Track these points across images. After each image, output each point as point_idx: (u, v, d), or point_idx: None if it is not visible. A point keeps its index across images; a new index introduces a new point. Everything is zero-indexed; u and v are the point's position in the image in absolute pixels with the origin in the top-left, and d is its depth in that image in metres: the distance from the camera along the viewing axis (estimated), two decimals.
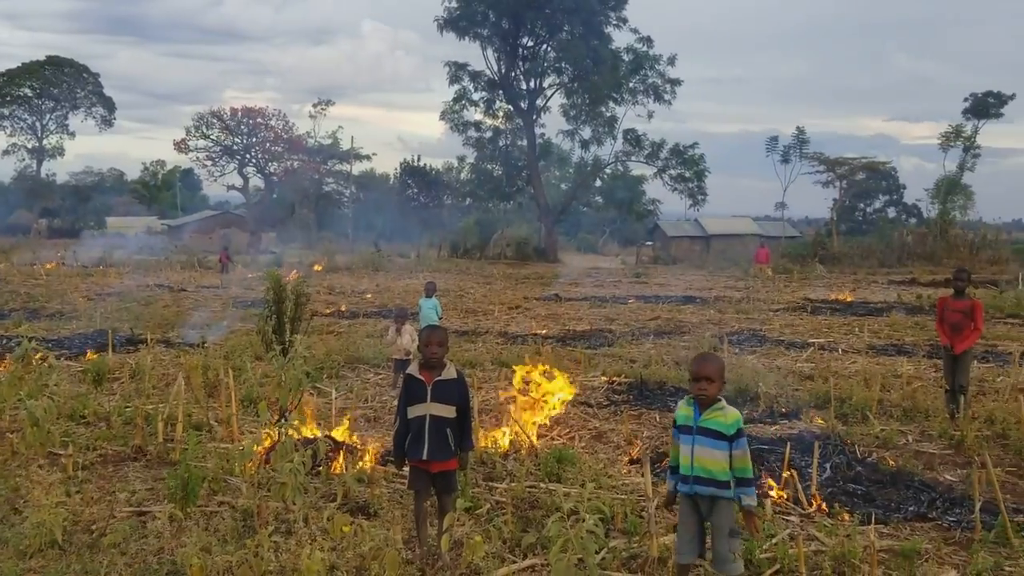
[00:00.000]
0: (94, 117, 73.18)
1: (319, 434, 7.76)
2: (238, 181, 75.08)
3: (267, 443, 7.08)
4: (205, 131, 73.21)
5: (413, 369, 5.65)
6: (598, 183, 62.34)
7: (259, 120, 72.93)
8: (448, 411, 5.53)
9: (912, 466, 7.79)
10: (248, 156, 74.11)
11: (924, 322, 18.68)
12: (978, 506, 6.24)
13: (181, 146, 73.34)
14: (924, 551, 5.77)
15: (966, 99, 63.30)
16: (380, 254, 45.63)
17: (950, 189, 56.20)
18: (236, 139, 73.41)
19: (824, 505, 6.68)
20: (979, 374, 12.33)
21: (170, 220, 78.01)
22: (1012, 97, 62.57)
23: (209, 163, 74.28)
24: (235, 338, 15.26)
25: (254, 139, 73.37)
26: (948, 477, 7.61)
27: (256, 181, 77.44)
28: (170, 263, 39.61)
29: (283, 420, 6.72)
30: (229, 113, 72.90)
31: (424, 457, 5.49)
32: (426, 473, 5.61)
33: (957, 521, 6.47)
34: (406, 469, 5.79)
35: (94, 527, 6.02)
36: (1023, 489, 7.19)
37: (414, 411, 5.54)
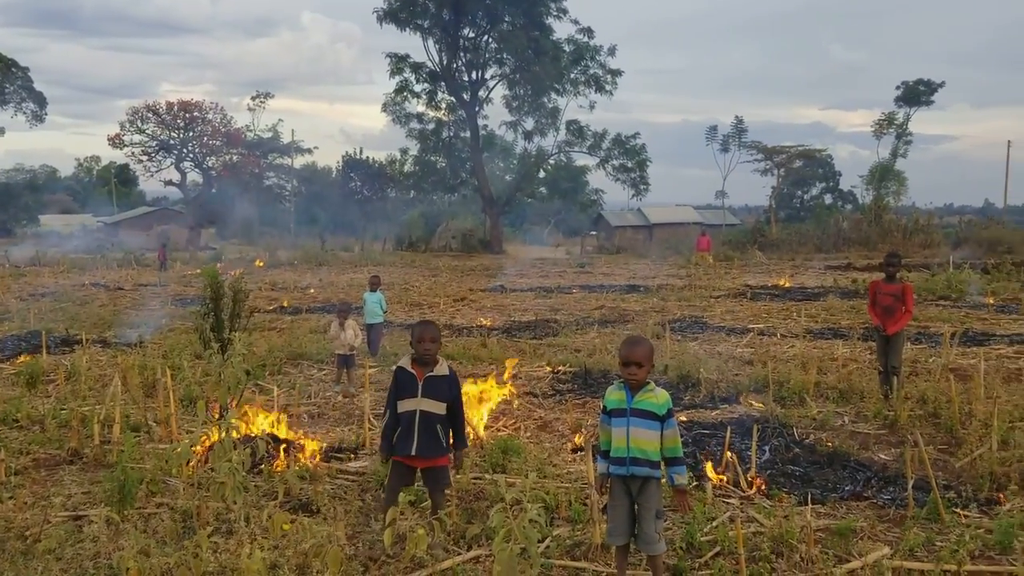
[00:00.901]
0: (24, 113, 70.66)
1: (260, 432, 7.66)
2: (175, 176, 73.24)
3: (206, 443, 6.97)
4: (140, 126, 71.28)
5: (405, 363, 5.61)
6: (542, 174, 62.47)
7: (196, 114, 71.21)
8: (439, 407, 5.51)
9: (848, 447, 7.99)
10: (185, 151, 72.42)
11: (859, 306, 19.13)
12: (911, 484, 6.42)
13: (116, 141, 71.35)
14: (859, 529, 5.93)
15: (898, 87, 65.17)
16: (325, 248, 45.13)
17: (884, 175, 57.78)
18: (173, 133, 71.63)
19: (763, 487, 6.81)
20: (912, 355, 12.68)
21: (106, 217, 76.09)
22: (942, 85, 64.60)
23: (145, 158, 72.35)
24: (174, 337, 14.97)
25: (191, 133, 71.69)
26: (883, 456, 7.82)
27: (194, 176, 75.69)
28: (106, 261, 38.65)
29: (222, 419, 6.61)
30: (165, 107, 71.14)
31: (413, 453, 5.46)
32: (409, 470, 5.58)
33: (891, 499, 6.66)
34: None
35: (28, 533, 5.85)
36: (954, 466, 7.40)
37: (404, 405, 5.51)
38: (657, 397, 4.79)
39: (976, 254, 34.87)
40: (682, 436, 8.09)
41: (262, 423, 8.06)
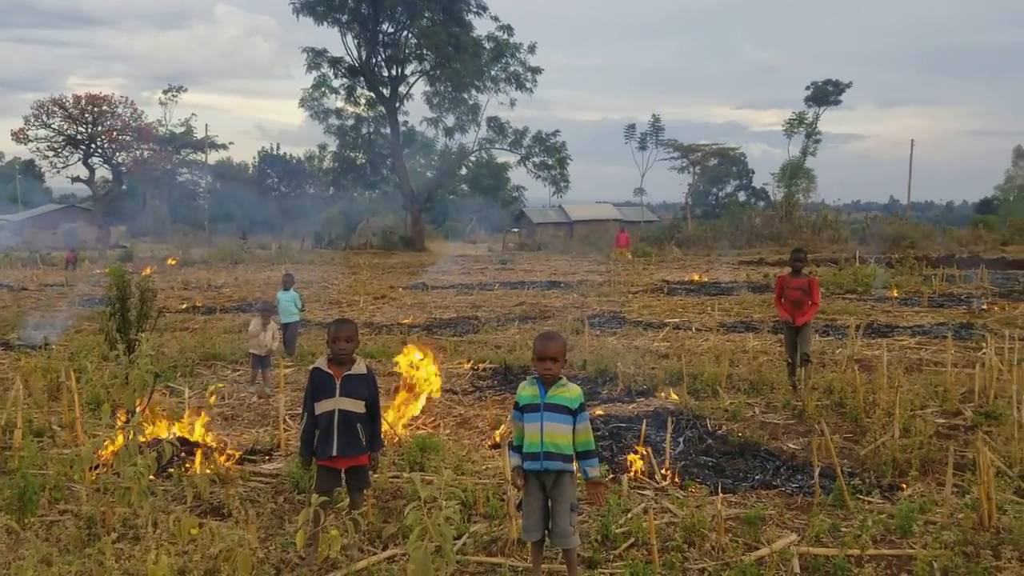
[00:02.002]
0: None
1: (169, 435, 7.44)
2: (84, 172, 70.56)
3: (111, 447, 6.73)
4: (46, 120, 68.47)
5: (321, 363, 5.50)
6: (463, 171, 62.43)
7: (105, 108, 68.68)
8: (358, 406, 5.43)
9: (758, 437, 8.20)
10: (94, 146, 69.80)
11: (770, 300, 19.65)
12: (817, 472, 6.64)
13: (20, 136, 68.36)
14: (768, 517, 6.09)
15: (808, 87, 67.22)
16: (246, 247, 44.13)
17: (794, 173, 59.57)
18: (80, 128, 68.96)
19: (677, 478, 6.94)
20: (819, 347, 13.10)
21: (10, 215, 72.77)
22: (849, 85, 66.94)
23: (51, 154, 69.52)
24: (80, 338, 14.42)
25: (100, 128, 69.13)
26: (791, 446, 8.05)
27: (103, 172, 73.07)
28: (10, 260, 37.01)
29: (128, 422, 6.40)
30: (72, 101, 68.43)
31: (334, 453, 5.36)
32: (335, 473, 5.48)
33: (799, 487, 6.87)
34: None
35: None
36: (858, 454, 7.67)
37: (322, 406, 5.40)
38: (569, 392, 4.82)
39: (881, 249, 36.25)
40: (599, 430, 8.26)
41: (171, 426, 7.83)
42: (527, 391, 4.89)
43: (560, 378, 4.85)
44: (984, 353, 10.98)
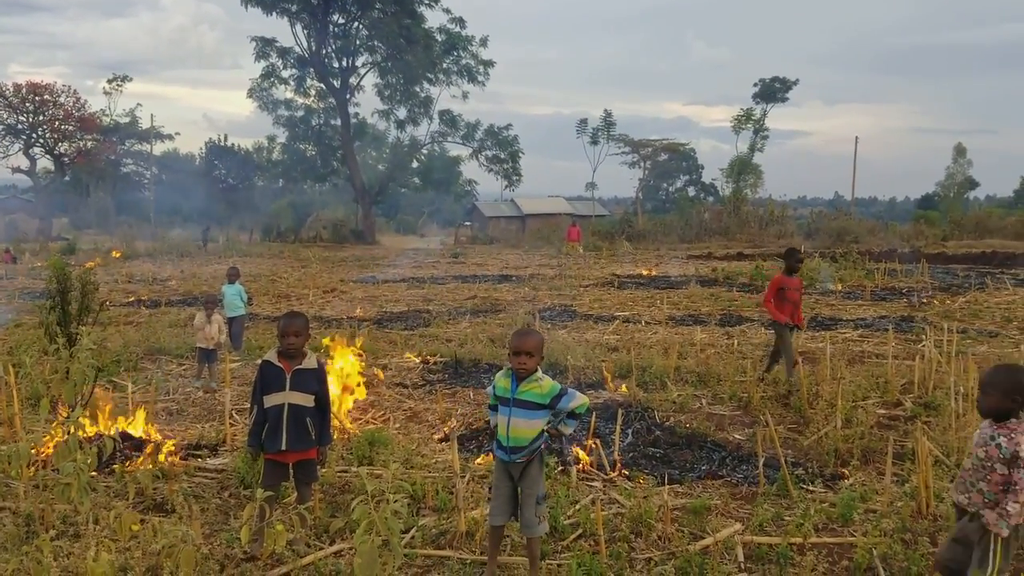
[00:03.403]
0: None
1: (110, 430, 7.28)
2: (24, 163, 68.63)
3: (51, 442, 6.58)
4: None
5: (271, 356, 5.44)
6: (415, 164, 62.09)
7: (47, 97, 66.80)
8: (307, 400, 5.38)
9: (705, 428, 8.31)
10: (35, 136, 67.93)
11: (718, 293, 19.99)
12: (761, 462, 6.76)
13: None
14: (713, 507, 6.18)
15: (755, 84, 67.99)
16: (211, 238, 43.42)
17: (742, 169, 60.29)
18: (21, 118, 67.00)
19: (624, 469, 7.00)
20: (766, 339, 13.33)
21: None
22: (796, 83, 67.84)
23: None
24: (20, 332, 14.04)
25: (42, 117, 67.25)
26: (737, 436, 8.17)
27: (45, 163, 71.09)
28: None
29: (68, 418, 6.25)
30: (13, 89, 66.46)
31: (283, 448, 5.31)
32: (282, 467, 5.42)
33: (744, 477, 6.97)
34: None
35: None
36: (802, 445, 7.82)
37: (271, 400, 5.34)
38: (542, 387, 4.80)
39: (826, 243, 36.96)
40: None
41: (112, 421, 7.67)
42: (501, 383, 4.91)
43: (535, 372, 4.85)
44: (924, 345, 11.29)
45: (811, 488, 6.62)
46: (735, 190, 56.10)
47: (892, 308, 17.28)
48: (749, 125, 67.40)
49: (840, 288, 20.83)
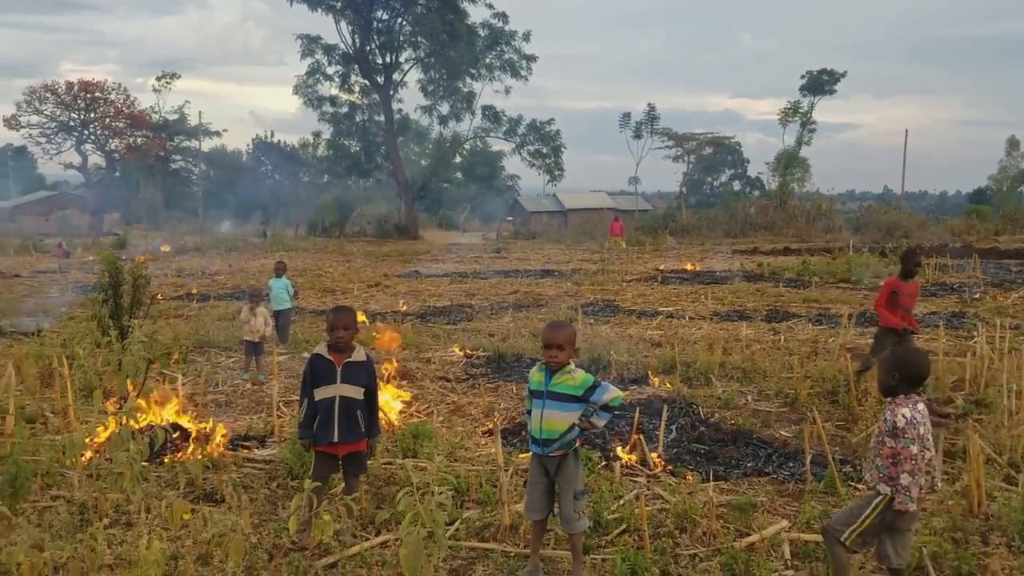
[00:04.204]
0: None
1: (162, 421, 7.44)
2: (76, 159, 70.34)
3: (104, 432, 6.73)
4: (38, 106, 68.23)
5: (321, 349, 5.53)
6: (458, 159, 62.30)
7: (98, 94, 68.47)
8: (357, 392, 5.47)
9: (751, 424, 8.22)
10: (86, 133, 69.56)
11: (764, 288, 19.75)
12: (808, 459, 6.67)
13: (12, 122, 68.11)
14: (759, 504, 6.12)
15: (803, 77, 66.98)
16: (272, 231, 44.09)
17: (789, 162, 59.45)
18: (73, 115, 68.70)
19: (669, 465, 6.96)
20: (813, 335, 13.16)
21: (2, 202, 72.51)
22: (844, 75, 66.69)
23: (44, 140, 69.30)
24: (73, 325, 14.39)
25: (93, 115, 68.88)
26: (783, 433, 8.08)
27: (96, 159, 72.80)
28: (2, 247, 36.88)
29: (121, 408, 6.40)
30: (65, 87, 68.13)
31: (335, 440, 5.40)
32: (333, 459, 5.50)
33: (790, 474, 6.90)
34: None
35: None
36: (850, 442, 7.70)
37: (322, 393, 5.42)
38: (574, 379, 4.80)
39: (875, 238, 36.31)
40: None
41: (164, 411, 7.83)
42: (536, 376, 4.92)
43: (567, 365, 4.85)
44: (975, 342, 11.03)
45: (859, 486, 6.51)
46: (782, 184, 55.30)
47: (943, 304, 16.93)
48: (796, 118, 66.46)
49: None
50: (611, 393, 4.76)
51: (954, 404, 8.75)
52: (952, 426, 8.10)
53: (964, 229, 41.56)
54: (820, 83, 66.24)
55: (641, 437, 7.26)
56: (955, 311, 15.87)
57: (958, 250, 29.37)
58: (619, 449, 7.20)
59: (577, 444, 4.89)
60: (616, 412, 4.95)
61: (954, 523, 5.61)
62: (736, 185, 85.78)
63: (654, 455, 7.04)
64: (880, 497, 4.35)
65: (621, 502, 6.03)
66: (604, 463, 6.91)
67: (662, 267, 26.41)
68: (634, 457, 7.10)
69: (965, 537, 5.44)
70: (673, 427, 8.06)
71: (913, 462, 4.22)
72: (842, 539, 4.42)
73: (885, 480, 4.34)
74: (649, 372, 10.28)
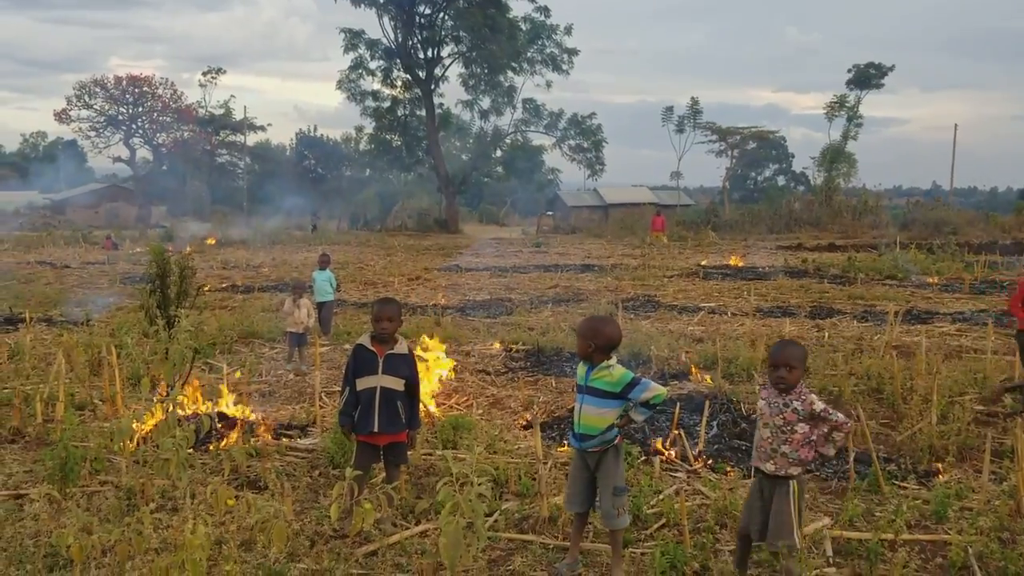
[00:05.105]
0: None
1: (207, 410, 7.57)
2: (124, 153, 71.87)
3: (151, 420, 6.88)
4: (88, 101, 69.76)
5: (364, 340, 5.60)
6: (498, 153, 62.32)
7: (146, 89, 69.83)
8: (398, 384, 5.53)
9: None
10: (135, 127, 70.98)
11: (808, 285, 19.50)
12: (852, 457, 6.59)
13: (62, 116, 69.77)
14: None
15: (849, 70, 65.64)
16: (318, 231, 44.72)
17: (835, 157, 58.37)
18: (121, 109, 70.16)
19: (710, 461, 6.92)
20: (858, 332, 12.97)
21: (53, 194, 74.16)
22: (892, 68, 65.26)
23: (93, 134, 70.89)
24: (121, 315, 14.69)
25: (141, 109, 70.26)
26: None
27: (144, 153, 74.24)
28: (53, 239, 37.73)
29: (168, 396, 6.53)
30: (113, 82, 69.55)
31: (375, 430, 5.48)
32: (374, 448, 5.57)
33: (833, 472, 6.81)
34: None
35: None
36: (895, 440, 7.59)
37: (364, 383, 5.50)
38: (612, 375, 4.78)
39: (923, 235, 35.62)
40: None
41: (209, 400, 7.97)
42: (580, 370, 4.95)
43: (608, 359, 4.83)
44: None
45: (903, 484, 6.43)
46: (827, 179, 54.34)
47: (992, 302, 16.58)
48: (842, 112, 65.22)
49: (936, 281, 20.06)
50: (652, 391, 4.72)
51: (1004, 402, 8.58)
52: (1000, 425, 7.94)
53: (1014, 226, 40.55)
54: (867, 77, 64.90)
55: (681, 432, 7.23)
56: (1004, 309, 15.51)
57: (1008, 247, 28.70)
58: (659, 443, 7.17)
59: (617, 441, 4.87)
60: (658, 409, 4.95)
61: (1001, 523, 5.51)
62: (780, 180, 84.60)
63: (698, 449, 7.00)
64: (792, 482, 4.54)
65: (661, 496, 6.00)
66: (644, 458, 6.89)
67: (704, 263, 26.18)
68: (674, 452, 7.07)
69: (1012, 537, 5.35)
70: (714, 423, 8.00)
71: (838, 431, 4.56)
72: (799, 547, 4.57)
73: (795, 464, 4.53)
74: (691, 365, 10.21)
